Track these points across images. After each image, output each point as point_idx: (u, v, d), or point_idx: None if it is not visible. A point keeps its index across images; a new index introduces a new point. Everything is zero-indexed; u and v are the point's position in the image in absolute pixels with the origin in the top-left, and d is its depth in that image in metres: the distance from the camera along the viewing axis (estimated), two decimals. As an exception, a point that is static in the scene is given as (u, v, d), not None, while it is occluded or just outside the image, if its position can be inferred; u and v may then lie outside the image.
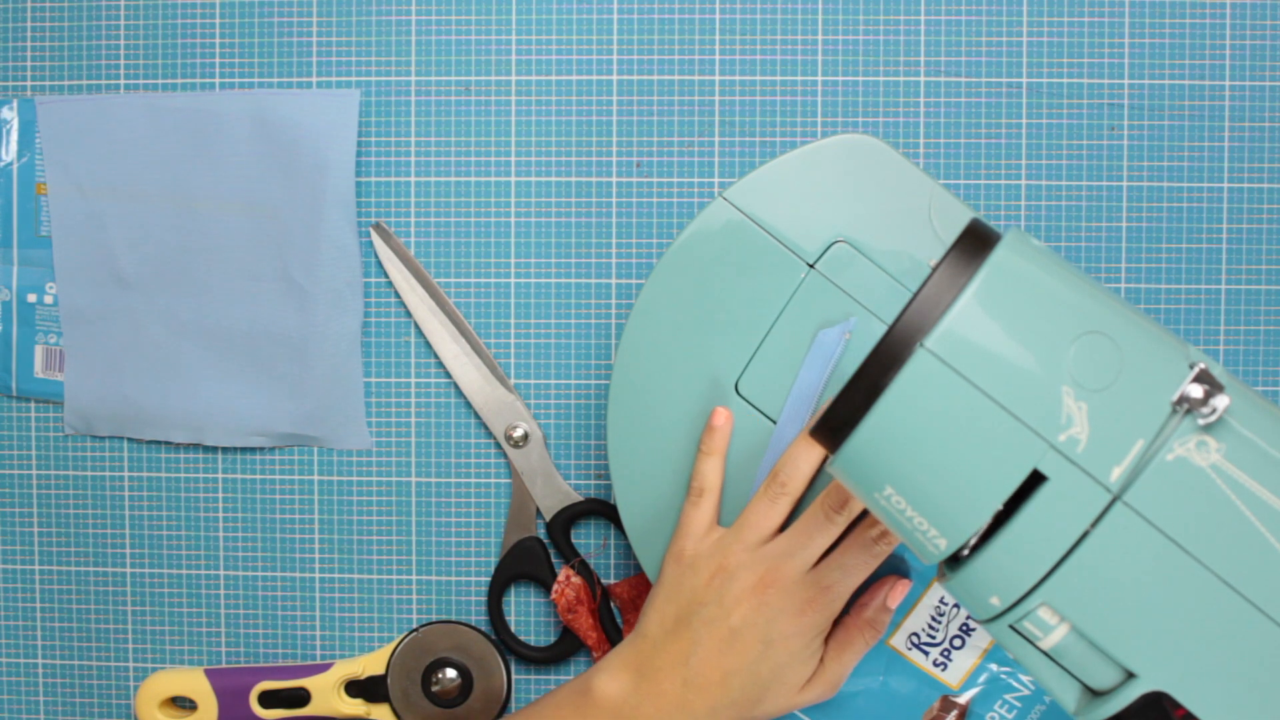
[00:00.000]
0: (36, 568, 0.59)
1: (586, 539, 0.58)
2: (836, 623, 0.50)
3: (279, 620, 0.58)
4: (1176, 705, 0.33)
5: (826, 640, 0.49)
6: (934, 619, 0.53)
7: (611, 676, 0.48)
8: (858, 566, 0.47)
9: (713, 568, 0.48)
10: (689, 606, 0.48)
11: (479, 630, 0.57)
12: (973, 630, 0.53)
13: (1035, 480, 0.33)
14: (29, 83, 0.58)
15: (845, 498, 0.46)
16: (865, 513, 0.47)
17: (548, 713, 0.49)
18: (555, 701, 0.49)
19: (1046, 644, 0.34)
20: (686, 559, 0.49)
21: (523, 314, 0.57)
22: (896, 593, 0.50)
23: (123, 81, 0.57)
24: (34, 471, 0.58)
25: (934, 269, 0.35)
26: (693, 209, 0.56)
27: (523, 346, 0.57)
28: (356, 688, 0.57)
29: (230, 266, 0.57)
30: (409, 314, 0.58)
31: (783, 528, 0.48)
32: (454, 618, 0.58)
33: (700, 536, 0.49)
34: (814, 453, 0.48)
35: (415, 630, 0.57)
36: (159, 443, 0.58)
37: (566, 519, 0.57)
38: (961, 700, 0.53)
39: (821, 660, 0.49)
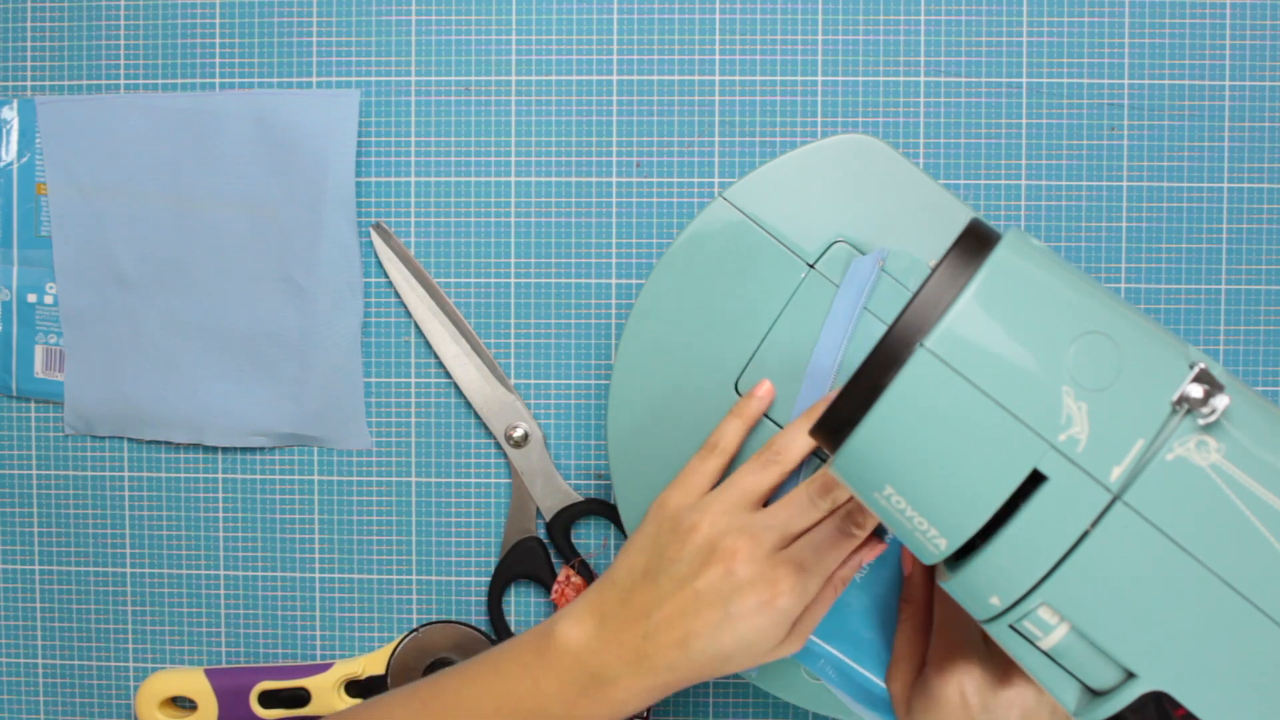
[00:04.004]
0: (36, 568, 0.59)
1: (586, 539, 0.58)
2: None
3: (279, 620, 0.58)
4: (1176, 705, 0.33)
5: None
6: None
7: (575, 622, 0.47)
8: (830, 546, 0.45)
9: (688, 525, 0.46)
10: (659, 560, 0.46)
11: (479, 630, 0.57)
12: None
13: (1035, 480, 0.33)
14: (29, 83, 0.58)
15: (831, 484, 0.46)
16: (850, 499, 0.46)
17: (509, 654, 0.47)
18: (518, 643, 0.48)
19: (1046, 644, 0.34)
20: (669, 511, 0.47)
21: (523, 314, 0.57)
22: (871, 553, 0.48)
23: (123, 81, 0.57)
24: (34, 471, 0.58)
25: (934, 269, 0.35)
26: (693, 209, 0.56)
27: (523, 346, 0.57)
28: (356, 688, 0.57)
29: (230, 266, 0.57)
30: (409, 314, 0.58)
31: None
32: (454, 618, 0.58)
33: (690, 490, 0.48)
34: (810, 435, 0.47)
35: (415, 630, 0.57)
36: (159, 443, 0.58)
37: (566, 519, 0.57)
38: None
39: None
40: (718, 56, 0.56)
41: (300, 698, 0.57)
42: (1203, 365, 0.33)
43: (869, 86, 0.56)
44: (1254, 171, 0.55)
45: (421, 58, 0.57)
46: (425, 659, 0.57)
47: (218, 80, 0.57)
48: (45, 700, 0.59)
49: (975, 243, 0.35)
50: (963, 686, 0.45)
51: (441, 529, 0.58)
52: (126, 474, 0.59)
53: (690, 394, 0.50)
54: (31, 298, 0.58)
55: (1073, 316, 0.34)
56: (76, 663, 0.59)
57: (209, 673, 0.57)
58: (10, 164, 0.58)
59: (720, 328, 0.50)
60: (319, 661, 0.58)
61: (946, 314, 0.34)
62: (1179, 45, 0.55)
